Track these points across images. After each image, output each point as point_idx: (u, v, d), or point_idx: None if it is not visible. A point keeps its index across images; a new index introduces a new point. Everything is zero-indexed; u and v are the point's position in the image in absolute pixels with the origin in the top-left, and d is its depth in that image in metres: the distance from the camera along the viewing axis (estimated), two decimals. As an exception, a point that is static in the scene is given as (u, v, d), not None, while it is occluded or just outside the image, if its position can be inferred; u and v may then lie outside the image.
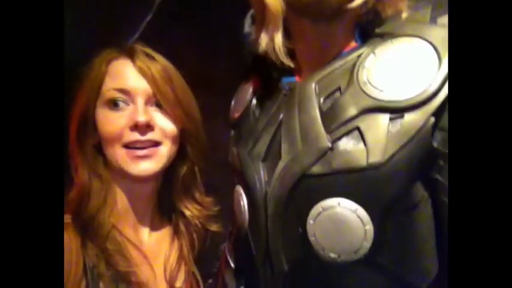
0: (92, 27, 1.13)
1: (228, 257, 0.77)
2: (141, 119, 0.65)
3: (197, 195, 0.74)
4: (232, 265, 0.76)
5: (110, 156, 0.67)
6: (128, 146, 0.66)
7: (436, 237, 0.53)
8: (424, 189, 0.53)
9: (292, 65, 0.64)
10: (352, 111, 0.54)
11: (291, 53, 0.64)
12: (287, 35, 0.63)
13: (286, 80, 0.67)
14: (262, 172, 0.62)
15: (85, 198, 0.65)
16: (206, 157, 0.76)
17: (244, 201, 0.66)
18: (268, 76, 0.70)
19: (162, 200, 0.75)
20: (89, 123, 0.68)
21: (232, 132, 0.78)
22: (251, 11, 1.43)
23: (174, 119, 0.70)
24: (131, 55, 0.69)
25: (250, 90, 0.75)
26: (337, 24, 0.60)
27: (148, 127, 0.66)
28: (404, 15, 0.59)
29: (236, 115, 0.76)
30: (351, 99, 0.54)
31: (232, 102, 0.81)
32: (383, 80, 0.53)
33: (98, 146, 0.70)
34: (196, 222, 0.74)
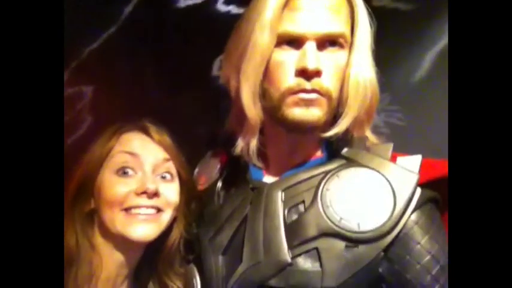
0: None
1: None
2: (151, 186, 0.66)
3: (177, 266, 0.75)
4: None
5: (108, 220, 0.67)
6: (128, 209, 0.67)
7: None
8: None
9: (262, 166, 0.69)
10: (313, 231, 0.59)
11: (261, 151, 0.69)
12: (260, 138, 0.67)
13: (253, 172, 0.71)
14: (220, 266, 0.65)
15: (71, 265, 0.64)
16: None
17: (197, 285, 0.69)
18: (237, 160, 0.73)
19: (139, 269, 0.75)
20: (88, 190, 0.68)
21: (193, 204, 0.80)
22: (221, 56, 1.45)
23: (181, 188, 0.72)
24: (145, 130, 0.72)
25: (218, 167, 0.78)
26: (308, 137, 0.66)
27: (155, 194, 0.68)
28: (368, 142, 0.66)
29: (200, 188, 0.78)
30: (313, 220, 0.60)
31: (197, 170, 0.83)
32: (343, 208, 0.59)
33: (91, 213, 0.69)
34: None
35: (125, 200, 0.66)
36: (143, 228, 0.67)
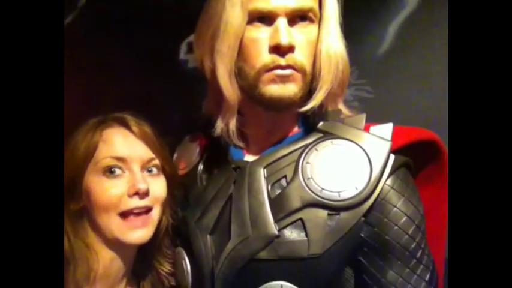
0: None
1: None
2: (143, 186, 0.67)
3: (165, 249, 0.76)
4: None
5: (104, 225, 0.67)
6: (123, 214, 0.67)
7: None
8: (350, 268, 0.63)
9: (242, 145, 0.70)
10: (296, 203, 0.62)
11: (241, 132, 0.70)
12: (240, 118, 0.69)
13: (234, 152, 0.72)
14: (209, 245, 0.67)
15: (68, 263, 0.64)
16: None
17: (187, 266, 0.70)
18: (217, 141, 0.73)
19: (136, 261, 0.75)
20: (76, 189, 0.67)
21: (176, 191, 0.81)
22: (187, 39, 1.43)
23: (167, 179, 0.73)
24: (125, 124, 0.71)
25: (197, 150, 0.79)
26: (284, 114, 0.68)
27: (146, 194, 0.68)
28: (342, 115, 0.69)
29: (181, 172, 0.79)
30: (296, 192, 0.62)
31: (176, 155, 0.83)
32: (324, 179, 0.62)
33: (80, 212, 0.68)
34: (165, 280, 0.75)
35: (118, 204, 0.66)
36: (137, 233, 0.67)
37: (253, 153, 0.72)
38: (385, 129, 0.64)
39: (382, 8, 1.15)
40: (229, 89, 0.64)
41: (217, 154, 0.74)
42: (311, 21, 0.63)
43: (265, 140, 0.71)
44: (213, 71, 0.65)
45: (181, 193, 0.76)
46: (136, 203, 0.67)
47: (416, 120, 1.06)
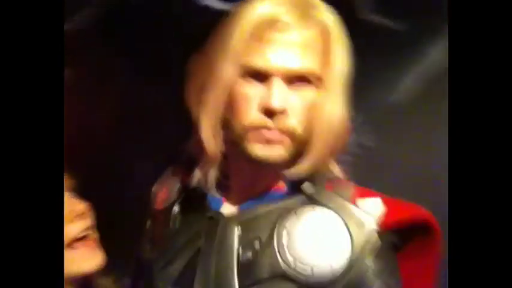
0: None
1: None
2: None
3: None
4: None
5: None
6: None
7: None
8: None
9: (220, 195, 0.66)
10: (266, 273, 0.57)
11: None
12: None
13: (211, 199, 0.68)
14: None
15: None
16: None
17: None
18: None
19: None
20: None
21: (149, 223, 0.78)
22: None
23: None
24: None
25: (177, 187, 0.75)
26: (269, 169, 0.63)
27: None
28: (331, 175, 0.64)
29: (157, 207, 0.75)
30: (267, 260, 0.58)
31: (155, 186, 0.79)
32: (299, 249, 0.57)
33: None
34: None
35: None
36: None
37: (232, 203, 0.67)
38: (373, 204, 0.60)
39: (399, 56, 1.09)
40: (211, 143, 0.60)
41: (194, 197, 0.70)
42: (310, 83, 0.58)
43: (247, 191, 0.66)
44: (198, 121, 0.61)
45: (153, 228, 0.72)
46: None
47: (414, 176, 1.02)
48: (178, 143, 0.88)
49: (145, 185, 0.81)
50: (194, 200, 0.70)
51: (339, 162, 0.69)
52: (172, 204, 0.73)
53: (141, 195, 0.82)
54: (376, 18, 1.09)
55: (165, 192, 0.76)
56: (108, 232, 0.75)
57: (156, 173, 0.81)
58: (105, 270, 0.75)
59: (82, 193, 0.73)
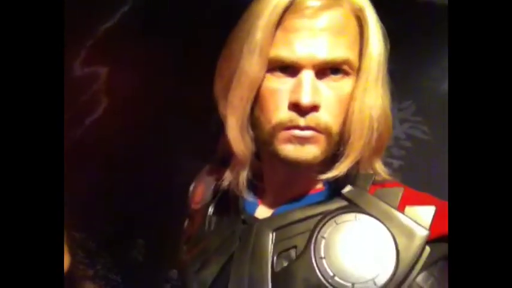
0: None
1: None
2: None
3: None
4: None
5: None
6: None
7: None
8: None
9: (252, 199, 0.62)
10: (301, 287, 0.52)
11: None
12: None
13: (246, 202, 0.64)
14: None
15: None
16: None
17: None
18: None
19: None
20: None
21: (186, 222, 0.76)
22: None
23: None
24: None
25: (212, 187, 0.72)
26: (307, 169, 0.58)
27: None
28: (377, 177, 0.57)
29: (194, 207, 0.73)
30: (303, 272, 0.53)
31: (193, 185, 0.77)
32: (338, 262, 0.52)
33: None
34: None
35: None
36: None
37: (268, 206, 0.63)
38: (425, 213, 0.52)
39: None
40: (239, 144, 0.56)
41: (228, 199, 0.67)
42: (346, 73, 0.52)
43: (282, 194, 0.61)
44: (225, 119, 0.57)
45: (189, 228, 0.70)
46: None
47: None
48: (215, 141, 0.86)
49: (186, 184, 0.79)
50: (228, 202, 0.67)
51: (386, 158, 0.62)
52: (208, 205, 0.70)
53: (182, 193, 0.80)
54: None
55: (200, 192, 0.74)
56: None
57: (196, 171, 0.79)
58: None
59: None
